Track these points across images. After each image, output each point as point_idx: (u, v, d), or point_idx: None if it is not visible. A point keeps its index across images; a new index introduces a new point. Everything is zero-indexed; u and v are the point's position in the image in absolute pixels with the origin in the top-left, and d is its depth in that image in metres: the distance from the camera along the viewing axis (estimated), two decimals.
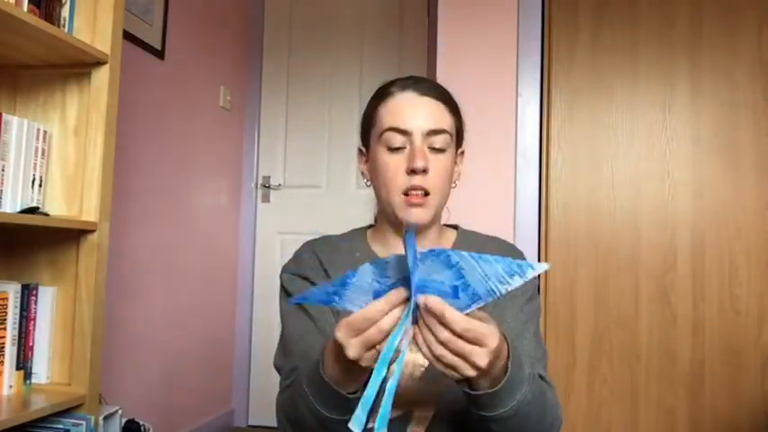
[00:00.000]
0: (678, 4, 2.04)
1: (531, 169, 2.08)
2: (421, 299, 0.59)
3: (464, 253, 0.57)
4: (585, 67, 2.09)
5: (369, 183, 0.99)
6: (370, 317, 0.60)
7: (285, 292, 0.97)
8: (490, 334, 0.60)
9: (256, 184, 3.07)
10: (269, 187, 3.05)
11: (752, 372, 1.92)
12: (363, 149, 1.00)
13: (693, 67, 2.02)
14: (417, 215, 0.90)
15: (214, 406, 2.81)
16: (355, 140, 3.22)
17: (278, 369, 0.92)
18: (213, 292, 2.80)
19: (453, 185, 0.98)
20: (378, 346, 0.61)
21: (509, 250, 1.01)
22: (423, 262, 0.58)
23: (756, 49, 1.98)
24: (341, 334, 0.62)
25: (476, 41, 2.13)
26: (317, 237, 1.02)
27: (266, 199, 3.05)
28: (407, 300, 0.60)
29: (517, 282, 0.57)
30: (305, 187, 3.02)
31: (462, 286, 0.58)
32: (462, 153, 1.01)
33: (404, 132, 0.90)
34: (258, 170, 3.08)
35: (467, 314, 0.59)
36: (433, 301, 0.58)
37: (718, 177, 1.98)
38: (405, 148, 0.90)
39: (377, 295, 0.61)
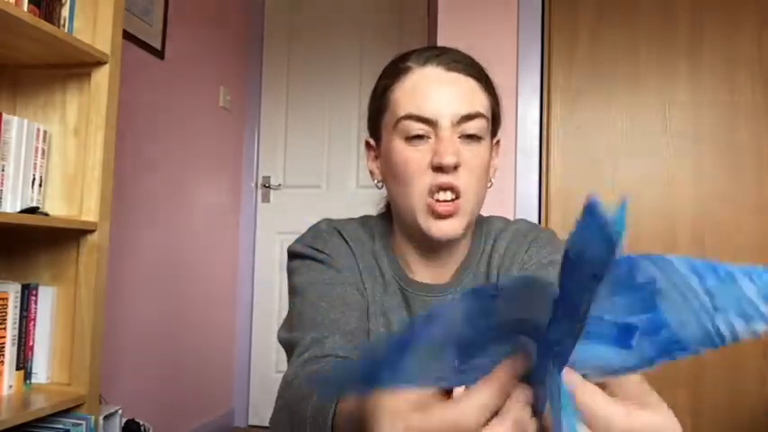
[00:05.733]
0: (678, 5, 2.04)
1: (531, 169, 2.08)
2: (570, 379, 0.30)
3: (677, 260, 0.27)
4: (585, 68, 2.09)
5: (380, 184, 0.80)
6: (456, 423, 0.30)
7: (297, 266, 0.79)
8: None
9: (256, 184, 3.07)
10: (269, 187, 3.05)
11: (752, 372, 1.92)
12: (372, 142, 0.81)
13: (693, 67, 2.02)
14: (447, 229, 0.72)
15: (214, 406, 2.81)
16: (355, 140, 3.22)
17: (289, 342, 0.73)
18: (213, 292, 2.80)
19: (489, 184, 0.78)
20: None
21: (552, 240, 0.80)
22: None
23: (756, 49, 1.98)
24: (394, 406, 0.33)
25: (476, 41, 2.12)
26: (333, 219, 0.86)
27: (266, 199, 3.05)
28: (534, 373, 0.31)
29: None
30: (305, 187, 3.02)
31: (650, 326, 0.29)
32: (498, 143, 0.82)
33: (427, 121, 0.71)
34: (258, 170, 3.07)
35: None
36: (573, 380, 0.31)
37: (718, 177, 1.98)
38: (428, 137, 0.72)
39: (464, 348, 0.30)
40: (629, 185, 2.03)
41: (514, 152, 2.08)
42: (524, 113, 2.09)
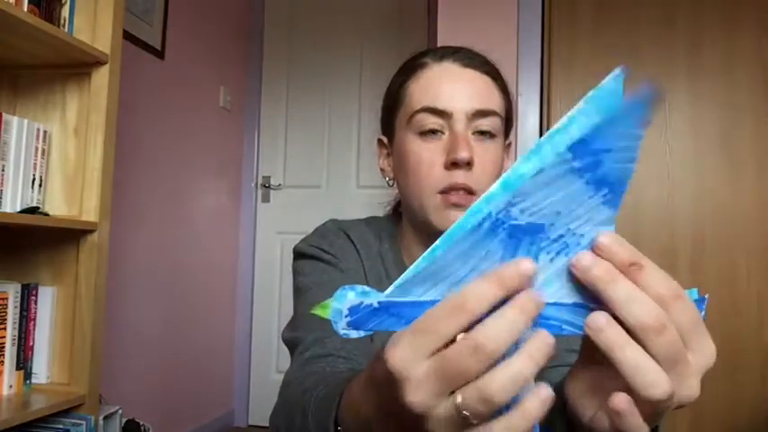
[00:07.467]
0: (678, 5, 2.04)
1: None
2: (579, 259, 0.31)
3: None
4: (585, 68, 2.09)
5: (392, 182, 0.80)
6: (459, 309, 0.30)
7: (302, 266, 0.79)
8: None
9: (256, 184, 3.07)
10: (269, 187, 3.05)
11: (752, 372, 1.92)
12: (385, 140, 0.81)
13: (693, 66, 2.02)
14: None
15: (214, 406, 2.81)
16: (355, 140, 3.22)
17: (291, 341, 0.73)
18: (213, 292, 2.80)
19: None
20: (478, 384, 0.29)
21: None
22: None
23: (757, 49, 1.98)
24: (399, 352, 0.32)
25: (476, 41, 2.11)
26: (340, 219, 0.86)
27: (266, 199, 3.05)
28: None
29: None
30: (305, 187, 3.02)
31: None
32: (510, 145, 0.80)
33: (442, 114, 0.70)
34: (258, 170, 3.08)
35: None
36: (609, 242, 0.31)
37: (718, 177, 1.98)
38: (442, 133, 0.71)
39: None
40: (629, 185, 2.02)
41: (515, 152, 2.08)
42: (524, 113, 2.09)
